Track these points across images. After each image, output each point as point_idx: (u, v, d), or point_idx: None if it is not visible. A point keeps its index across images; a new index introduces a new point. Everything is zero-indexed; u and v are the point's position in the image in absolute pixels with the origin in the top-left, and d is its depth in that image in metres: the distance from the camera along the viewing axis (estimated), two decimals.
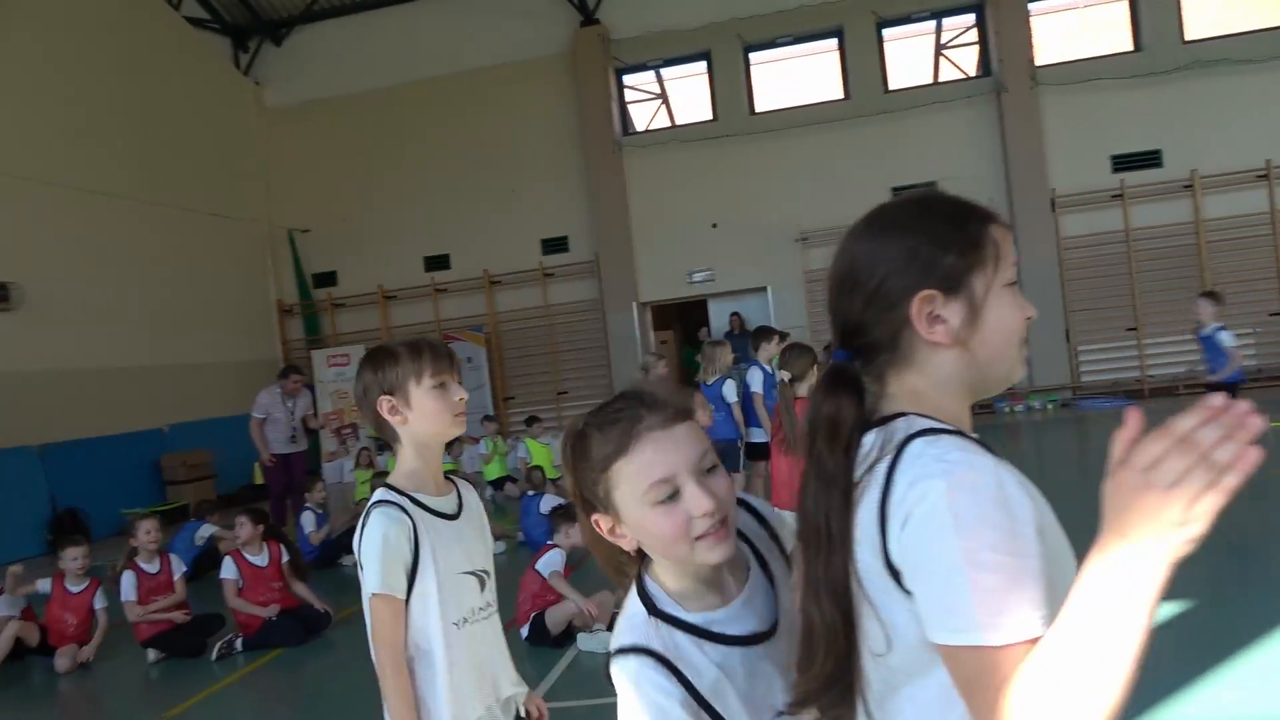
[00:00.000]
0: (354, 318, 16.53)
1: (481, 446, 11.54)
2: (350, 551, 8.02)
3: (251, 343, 15.88)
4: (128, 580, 5.74)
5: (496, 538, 7.34)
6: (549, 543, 5.20)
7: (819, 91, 15.46)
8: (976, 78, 14.79)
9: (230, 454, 13.85)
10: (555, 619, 4.90)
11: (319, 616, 5.94)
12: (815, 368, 4.30)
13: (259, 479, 14.46)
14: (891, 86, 15.02)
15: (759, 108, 15.42)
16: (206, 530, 8.20)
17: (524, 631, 5.02)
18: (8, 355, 11.32)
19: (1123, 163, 13.96)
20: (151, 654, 5.75)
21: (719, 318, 15.70)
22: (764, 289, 15.33)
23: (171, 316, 13.95)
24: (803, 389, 4.30)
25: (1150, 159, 13.89)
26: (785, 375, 4.36)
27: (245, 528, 5.91)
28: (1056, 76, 14.09)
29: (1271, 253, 13.50)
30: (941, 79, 15.19)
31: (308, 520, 8.17)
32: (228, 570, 5.77)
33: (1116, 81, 13.85)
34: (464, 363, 15.45)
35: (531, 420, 11.71)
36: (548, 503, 7.62)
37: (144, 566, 5.89)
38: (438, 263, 16.25)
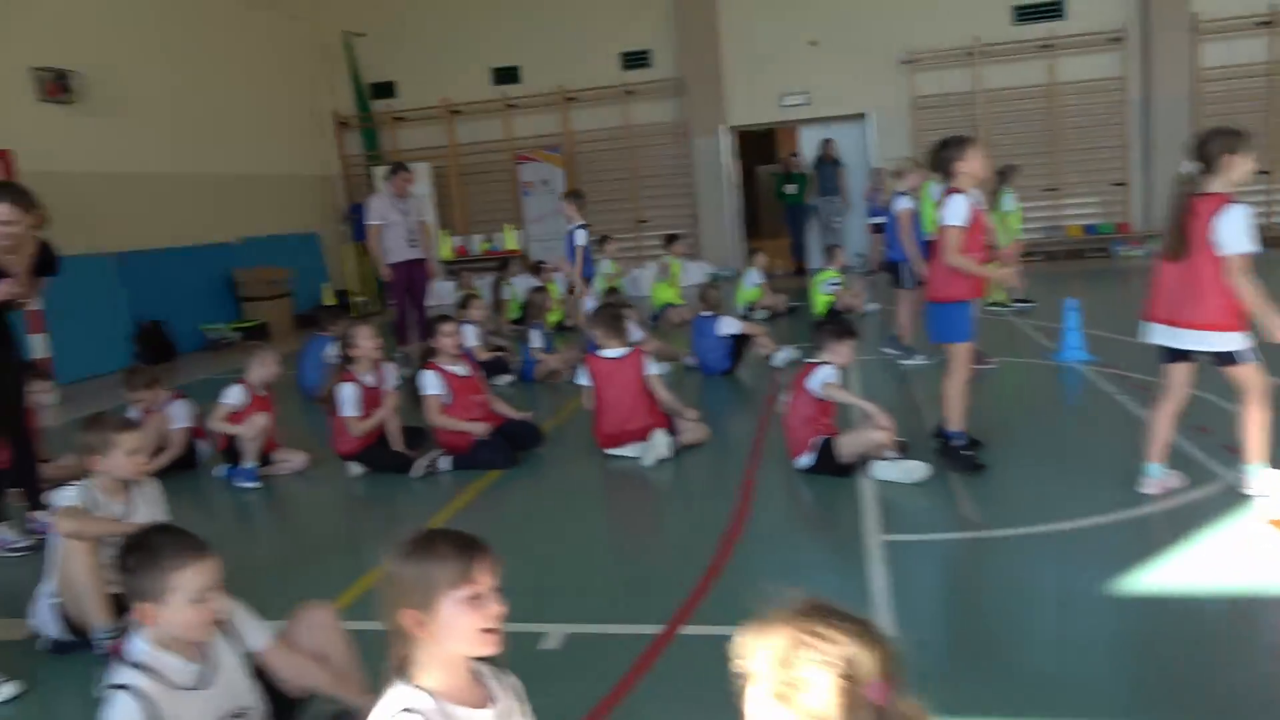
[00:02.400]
0: (416, 133, 15.45)
1: (605, 266, 10.86)
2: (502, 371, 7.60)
3: (308, 157, 14.87)
4: (348, 392, 5.17)
5: (662, 359, 6.84)
6: (813, 360, 4.65)
7: None
8: None
9: (298, 273, 13.19)
10: (851, 446, 4.41)
11: (530, 432, 5.44)
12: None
13: (330, 300, 13.91)
14: None
15: None
16: (336, 347, 7.58)
17: (803, 460, 4.54)
18: (75, 155, 10.40)
19: None
20: (354, 468, 5.28)
21: (810, 146, 14.72)
22: (863, 115, 14.31)
23: (229, 124, 12.92)
24: (1217, 184, 3.61)
25: None
26: (1193, 167, 3.65)
27: (367, 340, 5.31)
28: None
29: None
30: None
31: (534, 337, 7.62)
32: (431, 385, 5.21)
33: None
34: (539, 185, 14.63)
35: (671, 239, 11.01)
36: (727, 325, 7.06)
37: (362, 378, 5.30)
38: (507, 75, 15.05)
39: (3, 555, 4.38)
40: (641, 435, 5.09)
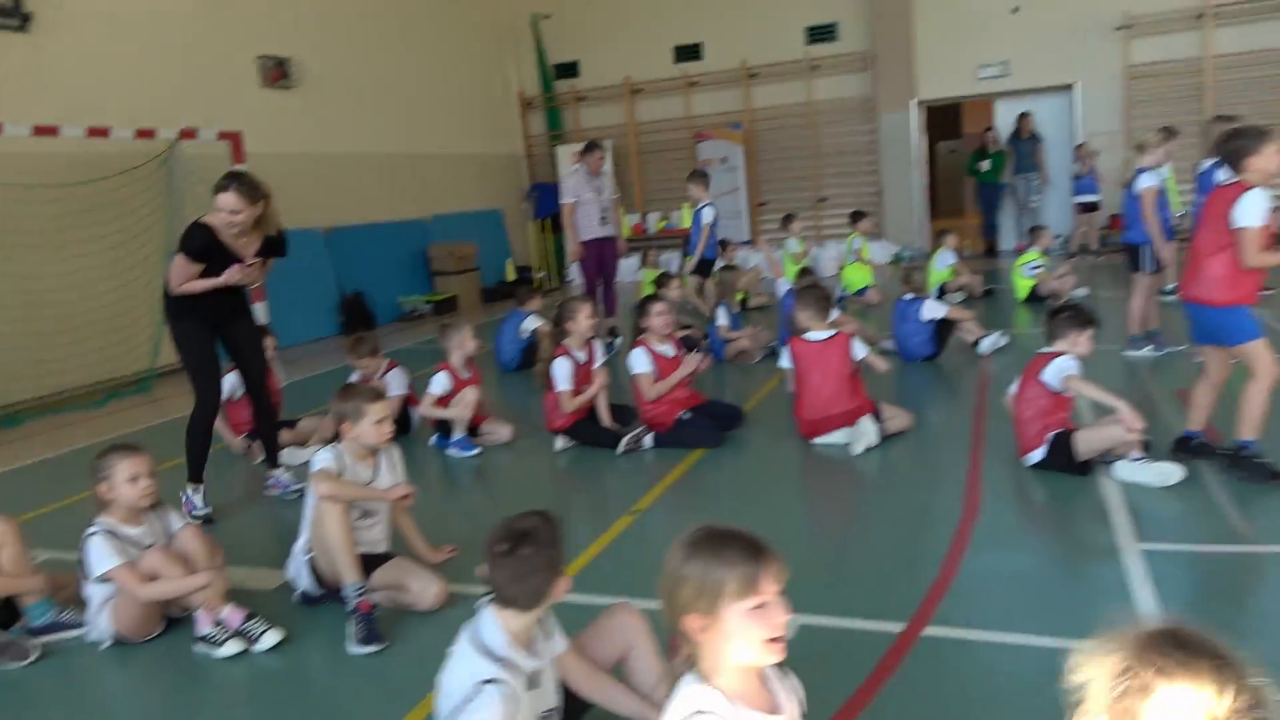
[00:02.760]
0: (598, 112, 15.62)
1: (792, 245, 10.67)
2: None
3: (495, 137, 15.32)
4: (563, 368, 5.26)
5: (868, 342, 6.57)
6: (1047, 350, 4.32)
7: None
8: None
9: (483, 249, 13.64)
10: (1091, 443, 4.08)
11: (733, 413, 5.37)
12: None
13: (511, 275, 14.34)
14: None
15: None
16: (533, 322, 7.77)
17: (1034, 456, 4.24)
18: (292, 136, 11.12)
19: None
20: (560, 442, 5.37)
21: (1005, 119, 13.87)
22: (1070, 87, 13.34)
23: (423, 105, 13.48)
24: None
25: None
26: None
27: (583, 314, 5.30)
28: None
29: None
30: None
31: (721, 315, 7.61)
32: (640, 363, 5.21)
33: None
34: (718, 163, 14.49)
35: (857, 216, 10.69)
36: (931, 309, 6.74)
37: (576, 354, 5.38)
38: (689, 53, 14.96)
39: (280, 495, 4.85)
40: (846, 421, 4.91)
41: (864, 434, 4.84)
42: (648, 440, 5.21)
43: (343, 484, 3.25)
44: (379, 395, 3.42)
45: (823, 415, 5.00)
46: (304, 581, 3.43)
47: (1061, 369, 4.20)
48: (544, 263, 15.45)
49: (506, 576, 2.02)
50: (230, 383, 5.80)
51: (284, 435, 5.80)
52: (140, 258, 8.64)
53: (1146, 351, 6.35)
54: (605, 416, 5.39)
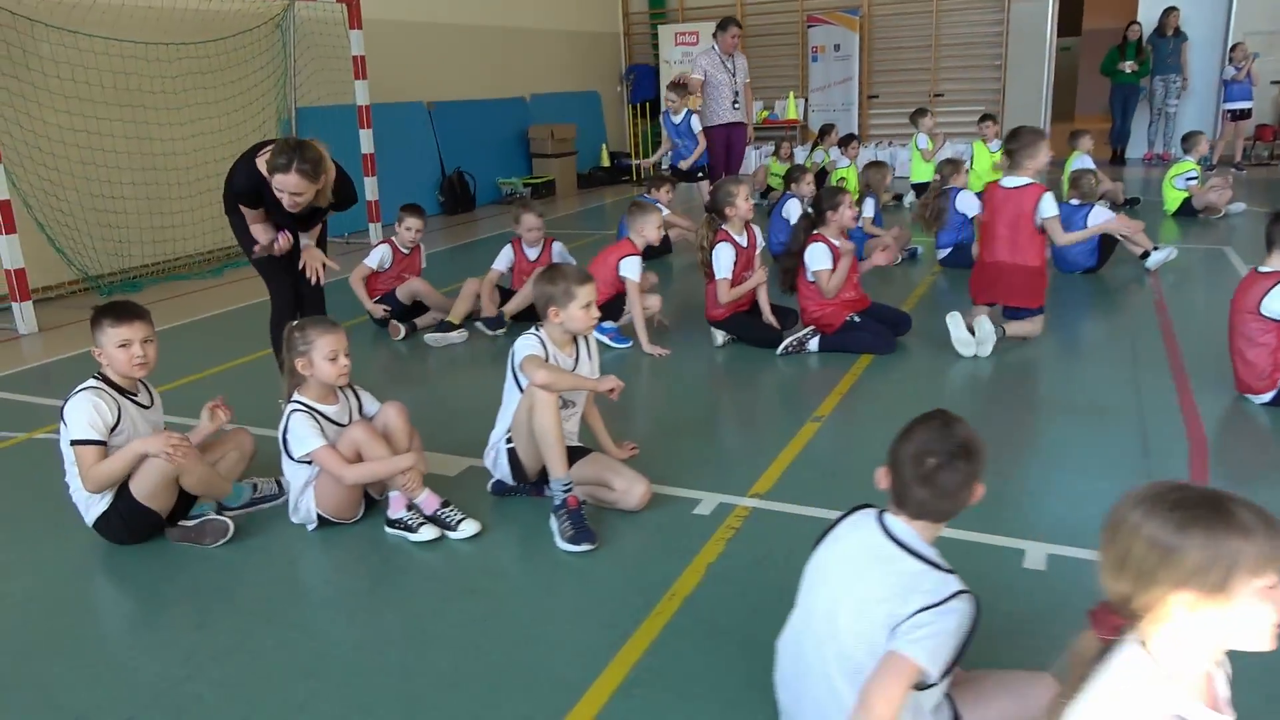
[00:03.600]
0: None
1: (922, 141, 10.07)
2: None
3: (592, 11, 14.59)
4: (725, 254, 4.97)
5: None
6: (1266, 270, 3.86)
7: None
8: None
9: (580, 133, 13.16)
10: None
11: (900, 317, 5.04)
12: None
13: (606, 161, 13.89)
14: None
15: None
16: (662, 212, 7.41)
17: (1266, 397, 3.89)
18: (399, 3, 10.64)
19: None
20: (719, 336, 5.11)
21: (1149, 13, 12.76)
22: None
23: None
24: None
25: None
26: None
27: (741, 195, 4.96)
28: None
29: None
30: None
31: (869, 207, 7.14)
32: (822, 258, 4.85)
33: None
34: (829, 50, 13.68)
35: (921, 113, 10.06)
36: (1098, 216, 6.24)
37: (736, 238, 5.06)
38: None
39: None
40: (1020, 290, 4.81)
41: (986, 336, 4.67)
42: (813, 343, 4.92)
43: (559, 372, 3.04)
44: (587, 277, 3.16)
45: (998, 272, 4.89)
46: (500, 470, 3.27)
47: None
48: (639, 150, 14.95)
49: (938, 490, 1.75)
50: (380, 254, 5.66)
51: (418, 285, 5.75)
52: (256, 124, 8.42)
53: None
54: (767, 311, 5.11)
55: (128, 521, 3.02)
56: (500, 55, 12.37)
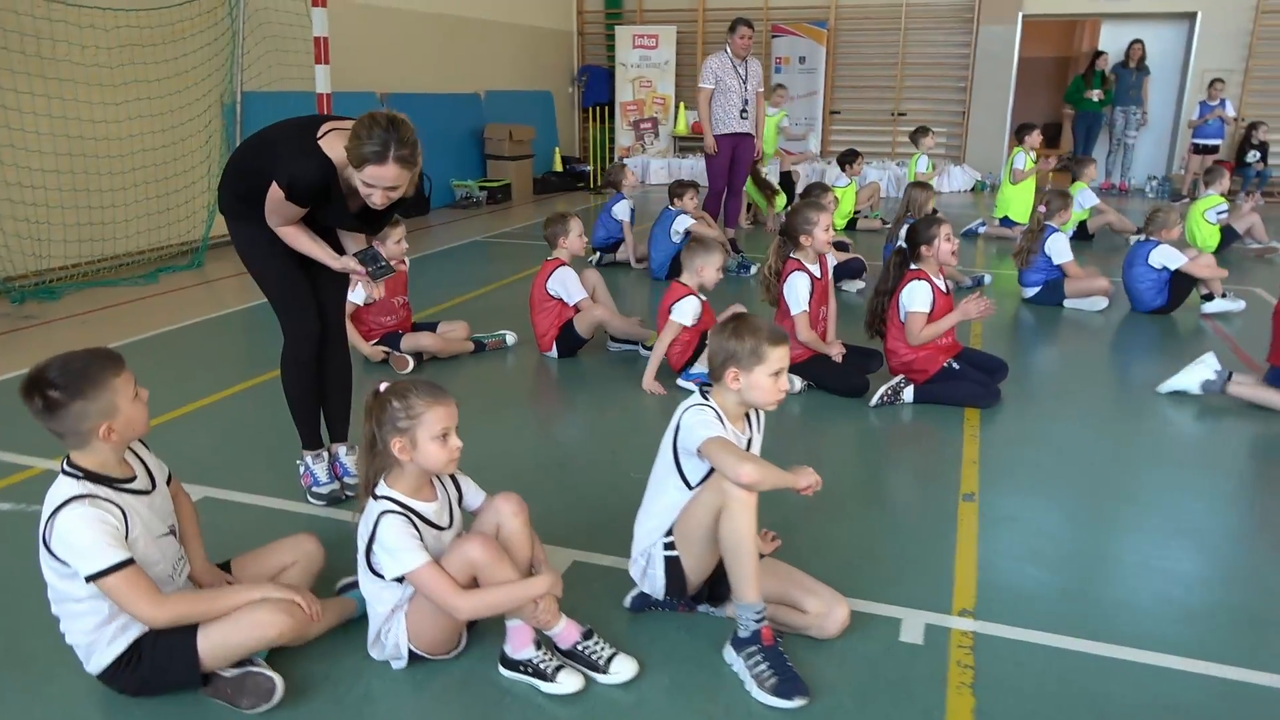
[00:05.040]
0: None
1: (922, 164, 9.64)
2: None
3: (544, 6, 13.75)
4: (800, 285, 4.31)
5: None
6: None
7: None
8: None
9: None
10: None
11: (996, 363, 4.47)
12: None
13: (559, 166, 13.06)
14: None
15: None
16: (684, 222, 6.73)
17: None
18: None
19: None
20: (796, 382, 4.43)
21: (1114, 45, 12.80)
22: (1192, 15, 12.30)
23: None
24: None
25: None
26: None
27: (823, 224, 4.38)
28: None
29: None
30: None
31: (1057, 244, 6.33)
32: (921, 299, 4.23)
33: None
34: (795, 62, 13.24)
35: (922, 132, 9.71)
36: (1164, 255, 5.84)
37: (810, 267, 4.41)
38: None
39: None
40: None
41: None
42: (907, 393, 4.30)
43: (766, 466, 2.28)
44: (782, 337, 2.41)
45: None
46: (653, 584, 2.50)
47: None
48: (591, 156, 14.17)
49: None
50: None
51: (425, 339, 4.86)
52: (199, 110, 7.31)
53: None
54: (838, 350, 4.46)
55: (158, 671, 2.12)
56: (453, 46, 11.41)
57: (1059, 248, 6.23)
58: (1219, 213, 7.85)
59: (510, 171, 11.59)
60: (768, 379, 2.37)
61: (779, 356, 2.37)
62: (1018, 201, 8.65)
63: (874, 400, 4.28)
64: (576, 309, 4.95)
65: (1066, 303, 6.21)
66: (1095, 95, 12.31)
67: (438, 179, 10.77)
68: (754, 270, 7.10)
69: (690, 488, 2.41)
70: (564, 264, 4.97)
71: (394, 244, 4.82)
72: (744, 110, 7.60)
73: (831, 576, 2.61)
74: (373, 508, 2.24)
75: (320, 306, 3.21)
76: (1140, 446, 3.99)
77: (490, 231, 9.41)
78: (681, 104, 13.77)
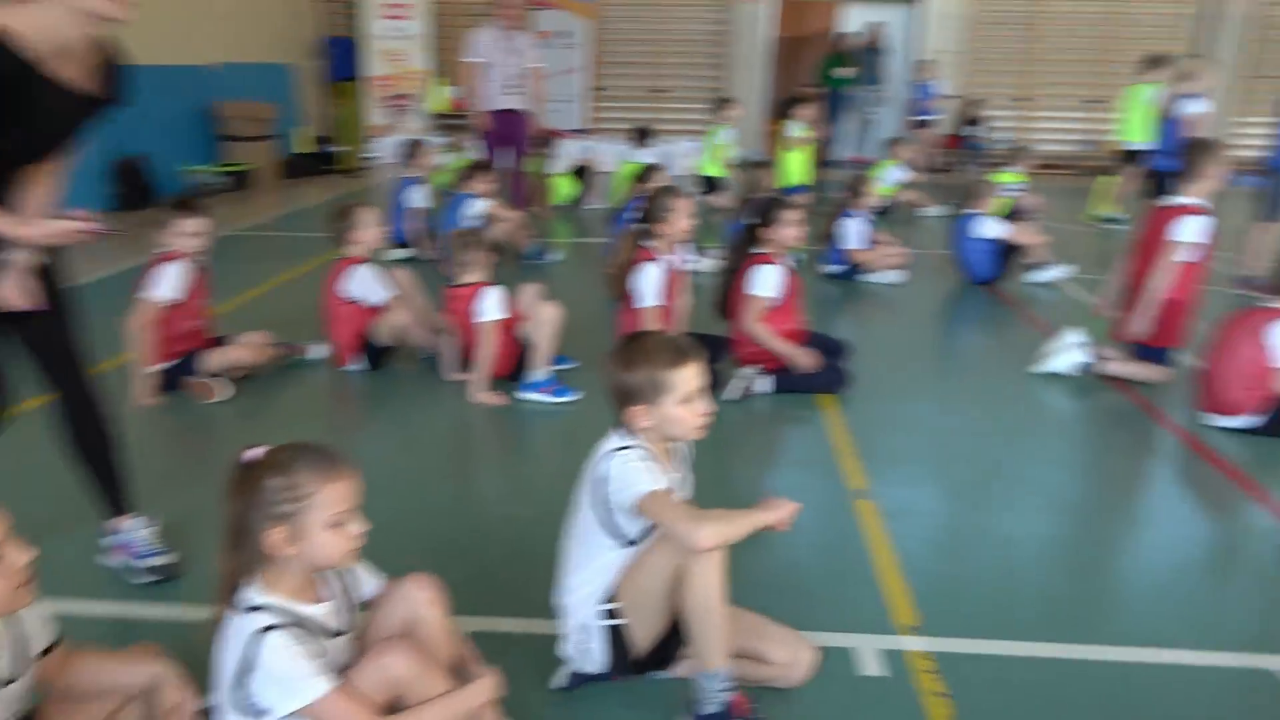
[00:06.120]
0: None
1: (725, 136, 9.47)
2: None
3: None
4: (653, 276, 3.95)
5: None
6: (1271, 306, 3.80)
7: None
8: None
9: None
10: None
11: (835, 345, 4.36)
12: None
13: (307, 147, 11.89)
14: None
15: None
16: (480, 206, 6.19)
17: (1243, 420, 3.80)
18: None
19: None
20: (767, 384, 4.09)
21: (852, 27, 13.52)
22: (917, 0, 13.23)
23: None
24: None
25: None
26: None
27: (684, 211, 4.12)
28: None
29: None
30: None
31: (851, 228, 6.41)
32: (771, 283, 4.02)
33: None
34: (556, 38, 12.87)
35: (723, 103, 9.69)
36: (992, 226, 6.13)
37: (665, 257, 4.06)
38: None
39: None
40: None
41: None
42: (761, 384, 4.11)
43: (727, 519, 1.91)
44: (686, 352, 2.04)
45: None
46: (595, 659, 2.07)
47: None
48: (346, 135, 13.03)
49: None
50: (172, 275, 3.90)
51: (235, 353, 4.07)
52: None
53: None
54: None
55: None
56: (170, 10, 9.93)
57: (849, 232, 6.36)
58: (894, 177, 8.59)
59: (249, 154, 10.34)
60: (680, 408, 1.99)
61: (688, 377, 1.99)
62: (797, 168, 8.84)
63: (726, 394, 4.05)
64: (379, 312, 4.32)
65: (869, 277, 6.35)
66: (842, 73, 12.97)
67: (162, 165, 9.36)
68: (554, 257, 6.71)
69: (631, 543, 2.02)
70: (360, 261, 4.33)
71: (188, 236, 3.95)
72: (516, 86, 7.16)
73: (758, 610, 2.33)
74: (243, 624, 1.65)
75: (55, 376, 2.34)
76: (1003, 420, 4.05)
77: (238, 225, 8.27)
78: (444, 79, 12.96)
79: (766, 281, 4.03)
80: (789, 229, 4.06)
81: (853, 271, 6.36)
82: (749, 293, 4.05)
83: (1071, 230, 8.25)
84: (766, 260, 4.06)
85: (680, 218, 4.02)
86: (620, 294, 4.15)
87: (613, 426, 2.07)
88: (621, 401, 2.02)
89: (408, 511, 2.99)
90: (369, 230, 4.34)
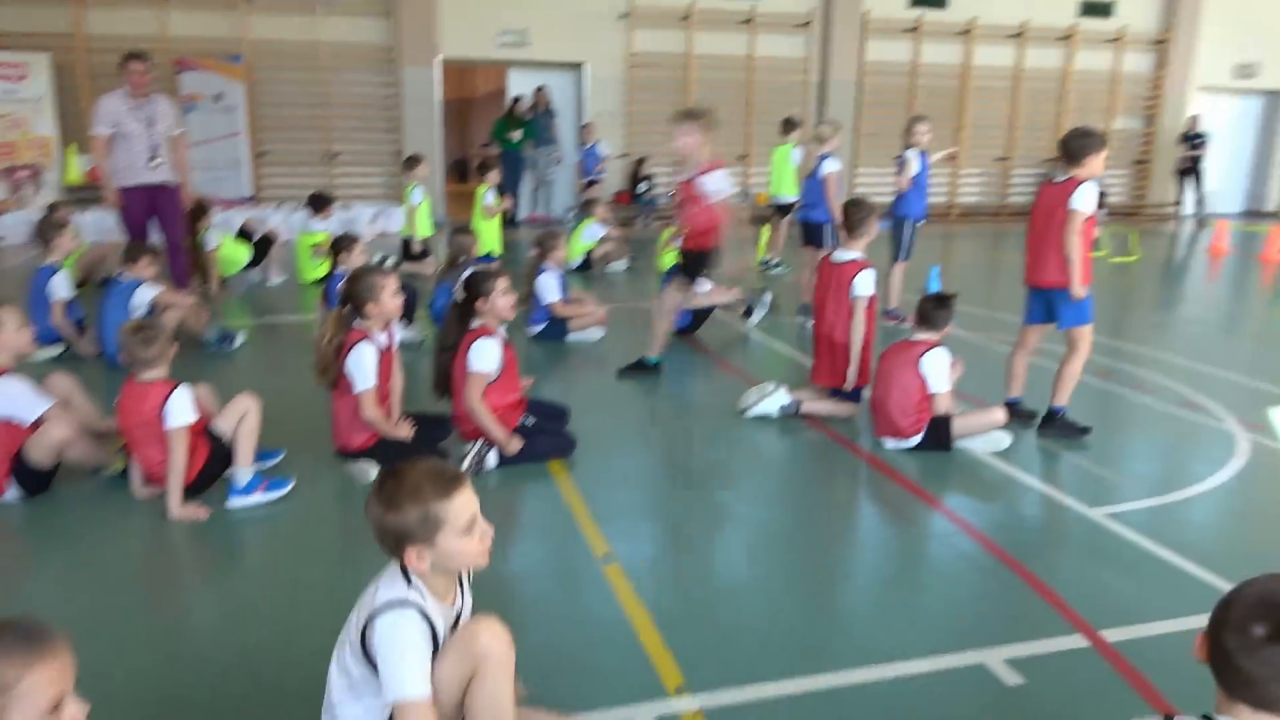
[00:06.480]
0: (26, 14, 11.64)
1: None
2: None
3: None
4: (367, 357, 3.74)
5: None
6: (920, 339, 4.39)
7: None
8: None
9: None
10: (969, 428, 4.35)
11: (558, 411, 4.42)
12: None
13: None
14: None
15: None
16: (148, 293, 5.54)
17: (912, 441, 4.35)
18: None
19: None
20: (366, 469, 3.85)
21: (521, 91, 13.96)
22: (579, 66, 13.97)
23: None
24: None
25: (939, 0, 15.05)
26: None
27: (389, 289, 4.04)
28: None
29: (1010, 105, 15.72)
30: None
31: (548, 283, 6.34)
32: (488, 358, 3.95)
33: None
34: (209, 101, 12.04)
35: (412, 161, 9.48)
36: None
37: (378, 337, 3.83)
38: None
39: None
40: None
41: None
42: (491, 458, 4.04)
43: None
44: (454, 479, 1.87)
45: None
46: None
47: (942, 361, 4.32)
48: None
49: (1272, 671, 1.36)
50: None
51: None
52: None
53: None
54: (407, 430, 4.05)
55: None
56: None
57: (547, 287, 6.51)
58: (593, 235, 9.18)
59: None
60: (459, 541, 1.86)
61: (462, 505, 1.86)
62: (489, 237, 8.92)
63: (464, 467, 3.95)
64: (35, 427, 3.71)
65: (569, 336, 6.51)
66: (515, 135, 13.32)
67: None
68: (239, 342, 6.18)
69: None
70: (5, 372, 3.69)
71: None
72: (153, 158, 6.63)
73: (537, 698, 2.28)
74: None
75: None
76: (720, 465, 4.30)
77: None
78: (73, 145, 11.54)
79: (486, 356, 3.98)
80: (502, 299, 4.06)
81: (556, 328, 6.48)
82: (470, 369, 3.98)
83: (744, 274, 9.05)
84: (484, 333, 4.03)
85: (388, 295, 3.88)
86: (331, 379, 3.90)
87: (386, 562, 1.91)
88: (394, 546, 1.86)
89: (119, 667, 2.56)
90: (15, 334, 3.71)
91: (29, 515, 3.61)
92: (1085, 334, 4.47)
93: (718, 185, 5.18)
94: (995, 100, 15.64)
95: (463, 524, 1.85)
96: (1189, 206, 15.85)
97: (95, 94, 11.71)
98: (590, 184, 13.31)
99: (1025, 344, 4.75)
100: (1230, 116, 17.13)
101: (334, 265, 6.12)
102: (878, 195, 13.25)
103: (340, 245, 6.05)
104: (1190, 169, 15.27)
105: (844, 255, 4.88)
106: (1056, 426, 4.58)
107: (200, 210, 7.64)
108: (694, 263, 5.40)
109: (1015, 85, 15.62)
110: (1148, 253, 12.04)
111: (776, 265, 9.60)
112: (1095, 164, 4.33)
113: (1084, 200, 4.26)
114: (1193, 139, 15.22)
